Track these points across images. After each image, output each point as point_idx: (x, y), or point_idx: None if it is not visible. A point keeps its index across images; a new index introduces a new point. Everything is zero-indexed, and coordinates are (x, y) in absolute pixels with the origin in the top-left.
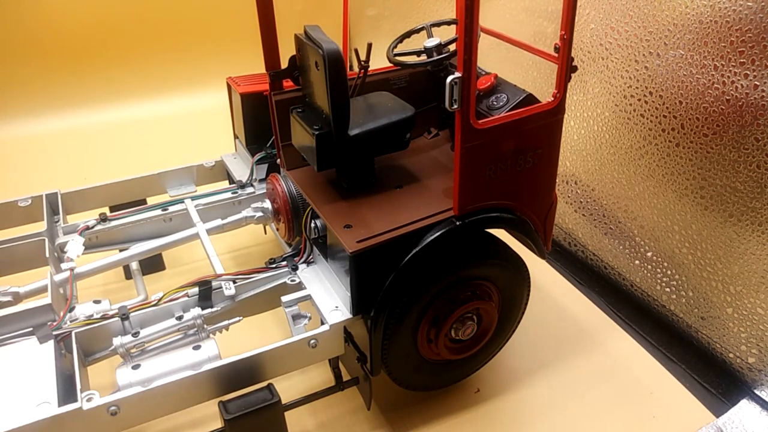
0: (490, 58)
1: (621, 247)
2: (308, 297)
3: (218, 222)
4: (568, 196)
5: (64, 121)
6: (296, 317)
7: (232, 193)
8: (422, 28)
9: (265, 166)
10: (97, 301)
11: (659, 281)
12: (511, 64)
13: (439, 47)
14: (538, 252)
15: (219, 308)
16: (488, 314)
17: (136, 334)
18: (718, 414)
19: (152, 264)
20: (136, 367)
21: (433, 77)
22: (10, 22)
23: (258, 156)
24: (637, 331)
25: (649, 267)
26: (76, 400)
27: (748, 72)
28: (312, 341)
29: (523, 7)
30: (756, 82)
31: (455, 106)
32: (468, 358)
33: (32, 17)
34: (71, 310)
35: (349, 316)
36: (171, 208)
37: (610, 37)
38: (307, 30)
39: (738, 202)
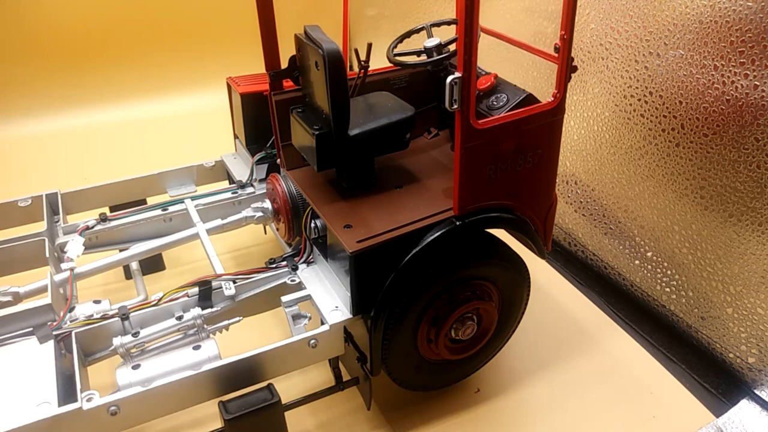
0: (490, 58)
1: (621, 247)
2: (308, 297)
3: (218, 222)
4: (568, 196)
5: (64, 121)
6: (296, 317)
7: (232, 193)
8: (422, 28)
9: (265, 166)
10: (97, 301)
11: (659, 281)
12: (511, 64)
13: (439, 47)
14: (538, 252)
15: (219, 308)
16: (488, 314)
17: (136, 334)
18: (718, 414)
19: (152, 264)
20: (136, 367)
21: (433, 77)
22: (10, 22)
23: (258, 156)
24: (637, 331)
25: (649, 267)
26: (76, 400)
27: (748, 72)
28: (312, 341)
29: (523, 7)
30: (756, 82)
31: (455, 106)
32: (468, 358)
33: (32, 17)
34: (71, 310)
35: (349, 316)
36: (171, 208)
37: (610, 37)
38: (307, 30)
39: (738, 202)
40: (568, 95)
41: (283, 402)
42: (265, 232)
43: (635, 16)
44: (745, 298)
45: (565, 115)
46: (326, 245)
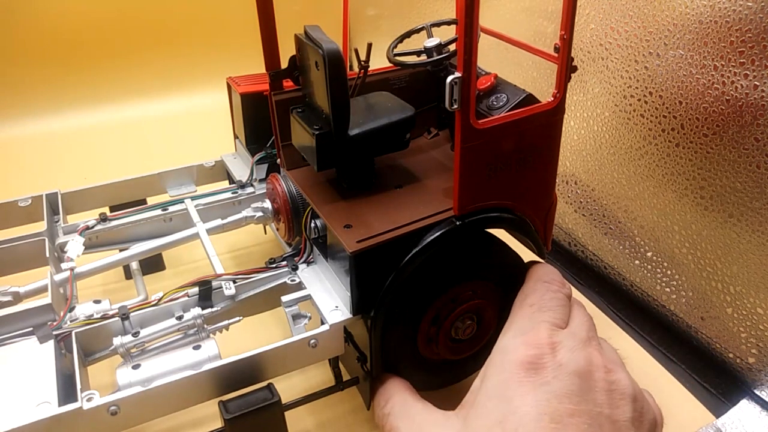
0: (490, 58)
1: (621, 247)
2: (308, 297)
3: (218, 222)
4: (568, 196)
5: (64, 121)
6: (296, 317)
7: (232, 193)
8: (422, 28)
9: (265, 166)
10: (97, 301)
11: (659, 281)
12: (511, 64)
13: (439, 47)
14: (538, 252)
15: (219, 308)
16: (488, 314)
17: (136, 334)
18: (718, 414)
19: (152, 264)
20: (136, 367)
21: (433, 77)
22: (10, 22)
23: (258, 156)
24: (637, 331)
25: (649, 267)
26: (76, 400)
27: (748, 72)
28: (312, 341)
29: (523, 7)
30: (756, 82)
31: (455, 106)
32: (468, 357)
33: (32, 17)
34: (71, 310)
35: (349, 316)
36: (171, 208)
37: (610, 37)
38: (307, 30)
39: (738, 202)
40: (568, 95)
41: (283, 402)
42: (265, 232)
43: (635, 16)
44: (745, 298)
45: (565, 115)
46: (326, 245)
